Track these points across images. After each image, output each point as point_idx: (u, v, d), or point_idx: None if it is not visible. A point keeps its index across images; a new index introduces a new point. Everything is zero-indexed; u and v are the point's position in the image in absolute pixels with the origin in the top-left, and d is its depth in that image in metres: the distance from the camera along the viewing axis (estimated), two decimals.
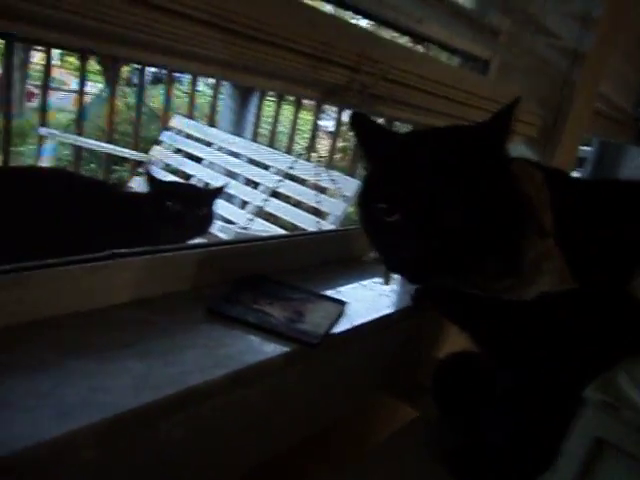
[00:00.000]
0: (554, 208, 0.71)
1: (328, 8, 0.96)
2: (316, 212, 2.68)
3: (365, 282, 1.04)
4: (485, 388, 0.85)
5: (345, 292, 0.96)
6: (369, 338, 0.90)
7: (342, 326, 0.81)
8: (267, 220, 2.92)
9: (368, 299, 0.96)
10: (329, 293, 0.92)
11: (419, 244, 0.62)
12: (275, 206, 2.78)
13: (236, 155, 3.20)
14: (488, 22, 1.16)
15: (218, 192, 1.43)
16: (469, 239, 0.63)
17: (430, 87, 0.91)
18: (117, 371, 0.59)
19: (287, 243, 1.01)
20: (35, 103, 6.06)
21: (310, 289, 0.90)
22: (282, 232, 2.53)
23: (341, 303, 0.87)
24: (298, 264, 1.00)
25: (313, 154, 3.37)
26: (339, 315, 0.83)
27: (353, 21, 0.82)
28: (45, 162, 2.98)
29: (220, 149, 3.24)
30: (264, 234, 2.26)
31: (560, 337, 0.70)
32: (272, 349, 0.70)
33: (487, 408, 0.83)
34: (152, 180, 1.34)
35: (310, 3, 0.79)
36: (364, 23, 0.85)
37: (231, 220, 2.86)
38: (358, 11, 0.85)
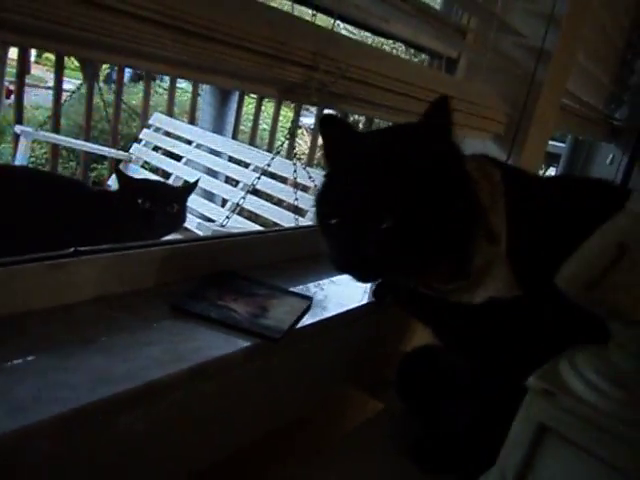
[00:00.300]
0: (509, 210, 0.72)
1: (287, 6, 0.97)
2: (296, 210, 2.69)
3: (335, 278, 1.06)
4: (446, 380, 0.88)
5: (314, 288, 0.97)
6: (335, 332, 0.92)
7: (306, 321, 0.83)
8: (247, 218, 2.93)
9: (336, 294, 0.97)
10: (298, 289, 0.94)
11: (356, 246, 0.65)
12: (254, 203, 2.79)
13: (216, 153, 3.20)
14: (454, 21, 1.18)
15: (190, 189, 1.44)
16: (409, 240, 0.65)
17: (390, 85, 0.93)
18: (76, 367, 0.59)
19: (257, 239, 1.02)
20: (12, 100, 5.97)
21: (277, 285, 0.92)
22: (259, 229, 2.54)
23: (307, 298, 0.89)
24: (268, 260, 1.01)
25: (293, 151, 3.38)
26: (305, 310, 0.85)
27: (315, 20, 0.83)
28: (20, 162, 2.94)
29: (199, 147, 3.23)
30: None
31: (507, 335, 0.72)
32: (233, 344, 0.71)
33: (448, 399, 0.85)
34: (122, 177, 1.34)
35: (266, 1, 0.79)
36: (327, 22, 0.86)
37: (211, 218, 2.86)
38: (320, 9, 0.86)
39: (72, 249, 0.74)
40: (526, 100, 1.34)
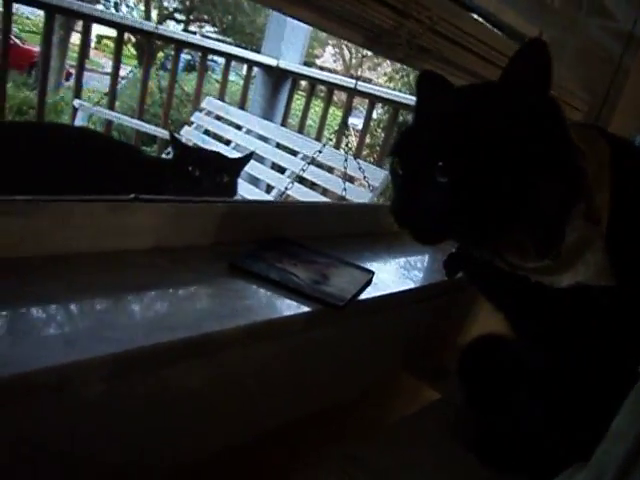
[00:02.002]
0: (614, 189, 0.64)
1: None
2: (342, 200, 2.63)
3: (393, 257, 1.00)
4: (516, 372, 0.80)
5: (372, 264, 0.91)
6: (395, 311, 0.86)
7: (368, 294, 0.77)
8: None
9: (396, 272, 0.91)
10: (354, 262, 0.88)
11: (413, 198, 0.60)
12: (300, 192, 2.75)
13: (265, 139, 3.18)
14: None
15: (243, 162, 1.40)
16: (474, 200, 0.58)
17: (477, 48, 0.86)
18: (131, 310, 0.55)
19: (316, 209, 0.97)
20: (71, 82, 6.17)
21: (336, 255, 0.86)
22: None
23: (368, 272, 0.83)
24: (325, 232, 0.96)
25: (342, 145, 3.33)
26: (366, 283, 0.79)
27: None
28: None
29: (249, 132, 3.22)
30: None
31: (593, 327, 0.64)
32: (294, 307, 0.66)
33: (518, 392, 0.77)
34: (176, 144, 1.31)
35: None
36: None
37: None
38: None
39: (132, 195, 0.70)
40: (609, 88, 1.24)
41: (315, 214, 0.95)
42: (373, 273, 0.83)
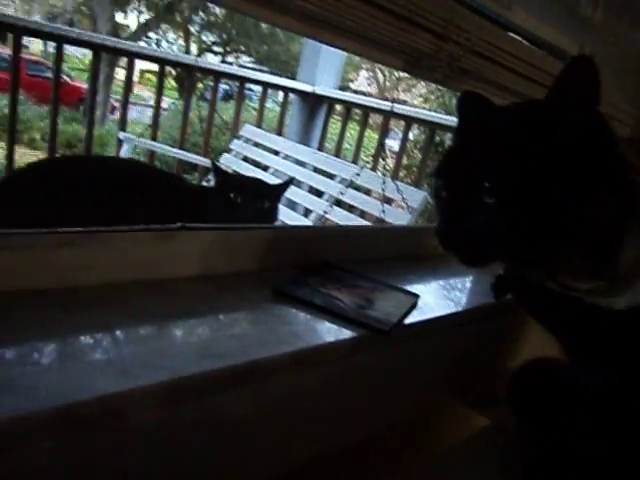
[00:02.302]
0: None
1: None
2: (380, 223, 2.62)
3: (437, 280, 0.98)
4: (571, 397, 0.76)
5: (416, 287, 0.90)
6: (441, 335, 0.84)
7: (414, 318, 0.76)
8: None
9: (442, 295, 0.90)
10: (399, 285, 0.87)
11: (459, 219, 0.59)
12: (338, 215, 2.76)
13: (302, 164, 3.22)
14: (580, 9, 1.07)
15: (283, 187, 1.42)
16: (520, 221, 0.56)
17: (518, 67, 0.85)
18: (180, 337, 0.56)
19: (358, 233, 0.97)
20: (116, 116, 6.46)
21: (379, 279, 0.85)
22: None
23: (413, 295, 0.82)
24: (368, 255, 0.95)
25: (378, 168, 3.33)
26: (411, 307, 0.78)
27: None
28: None
29: (286, 157, 3.27)
30: None
31: None
32: (340, 333, 0.65)
33: (573, 418, 0.74)
34: (218, 171, 1.34)
35: None
36: None
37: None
38: None
39: (179, 224, 0.72)
40: None
41: (357, 238, 0.95)
42: (418, 296, 0.81)
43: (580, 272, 0.63)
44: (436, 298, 0.87)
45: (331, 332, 0.65)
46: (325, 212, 2.40)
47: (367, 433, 0.78)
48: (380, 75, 12.44)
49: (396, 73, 12.16)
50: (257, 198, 1.29)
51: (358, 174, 2.37)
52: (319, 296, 0.72)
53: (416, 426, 0.84)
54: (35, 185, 1.07)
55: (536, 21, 1.04)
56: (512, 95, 0.91)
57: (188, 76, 3.27)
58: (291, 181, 1.45)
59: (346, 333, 0.65)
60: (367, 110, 3.32)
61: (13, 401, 0.41)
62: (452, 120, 3.04)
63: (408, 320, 0.74)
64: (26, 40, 2.80)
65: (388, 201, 2.68)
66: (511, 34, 0.89)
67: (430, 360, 0.86)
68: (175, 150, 3.17)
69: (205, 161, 3.24)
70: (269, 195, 1.33)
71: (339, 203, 2.83)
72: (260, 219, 1.31)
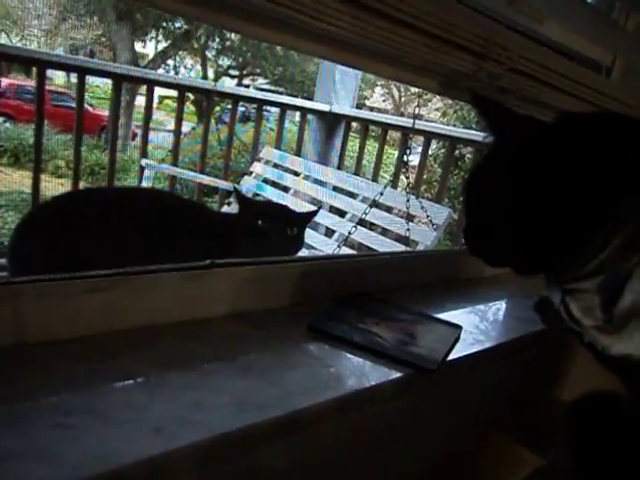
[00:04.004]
0: None
1: None
2: (404, 240, 2.57)
3: (473, 306, 0.93)
4: (634, 435, 0.70)
5: (454, 315, 0.85)
6: (485, 368, 0.79)
7: (459, 352, 0.71)
8: (351, 248, 2.87)
9: (482, 324, 0.85)
10: (438, 315, 0.82)
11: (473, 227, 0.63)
12: (361, 234, 2.72)
13: (322, 183, 3.20)
14: (613, 19, 1.03)
15: (311, 215, 1.39)
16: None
17: (556, 81, 0.81)
18: (217, 387, 0.53)
19: (390, 261, 0.93)
20: (137, 142, 6.57)
21: (417, 309, 0.81)
22: None
23: (456, 327, 0.77)
24: (401, 283, 0.91)
25: (399, 185, 3.30)
26: (455, 340, 0.73)
27: None
28: None
29: (307, 178, 3.25)
30: None
31: None
32: (384, 373, 0.61)
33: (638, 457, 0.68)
34: (242, 199, 1.32)
35: None
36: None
37: (314, 247, 2.82)
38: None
39: (208, 261, 0.69)
40: None
41: (390, 265, 0.91)
42: (461, 328, 0.77)
43: (591, 305, 0.60)
44: (478, 328, 0.83)
45: (374, 373, 0.61)
46: (350, 233, 2.36)
47: (413, 474, 0.73)
48: (395, 91, 12.48)
49: (412, 89, 12.19)
50: (285, 225, 1.26)
51: (381, 193, 2.33)
52: (358, 333, 0.68)
53: (464, 466, 0.79)
54: (57, 222, 1.06)
55: (568, 33, 1.00)
56: (553, 112, 0.86)
57: (207, 101, 3.30)
58: (318, 211, 1.42)
59: (390, 374, 0.61)
60: (385, 127, 3.30)
61: (44, 471, 0.38)
62: (472, 133, 3.01)
63: (452, 355, 0.70)
64: (50, 72, 2.87)
65: (410, 218, 2.64)
66: (545, 49, 0.85)
67: (474, 395, 0.81)
68: (196, 174, 3.18)
69: (225, 184, 3.24)
70: (297, 222, 1.30)
71: (361, 222, 2.79)
72: (288, 247, 1.28)
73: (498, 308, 0.96)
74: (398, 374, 0.61)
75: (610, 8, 1.12)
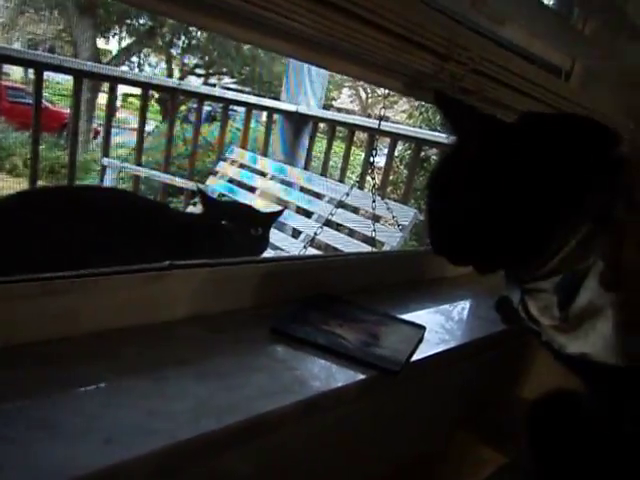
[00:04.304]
0: None
1: None
2: (370, 241, 2.59)
3: (438, 306, 0.94)
4: (593, 432, 0.72)
5: (418, 316, 0.86)
6: (449, 368, 0.79)
7: (422, 353, 0.71)
8: (318, 248, 2.86)
9: (446, 324, 0.85)
10: (402, 316, 0.82)
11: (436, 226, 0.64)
12: (327, 235, 2.72)
13: (289, 184, 3.19)
14: (573, 23, 1.06)
15: (276, 215, 1.37)
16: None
17: (517, 83, 0.82)
18: (175, 393, 0.51)
19: (355, 262, 0.92)
20: (99, 140, 6.40)
21: (382, 310, 0.81)
22: None
23: (420, 327, 0.77)
24: (365, 284, 0.91)
25: (365, 186, 3.31)
26: (419, 341, 0.73)
27: None
28: None
29: (273, 178, 3.23)
30: None
31: None
32: (347, 375, 0.60)
33: (597, 454, 0.69)
34: (206, 199, 1.29)
35: None
36: None
37: (280, 247, 2.81)
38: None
39: (167, 262, 0.67)
40: None
41: (355, 266, 0.91)
42: (424, 328, 0.77)
43: (549, 304, 0.61)
44: (442, 328, 0.83)
45: (338, 375, 0.60)
46: (316, 234, 2.36)
47: (378, 475, 0.73)
48: (362, 92, 12.57)
49: (378, 90, 12.30)
50: (249, 225, 1.24)
51: (348, 194, 2.33)
52: (322, 335, 0.67)
53: (429, 466, 0.79)
54: (7, 221, 1.01)
55: (529, 37, 1.02)
56: (515, 114, 0.88)
57: (172, 99, 3.24)
58: (282, 211, 1.41)
59: (354, 376, 0.60)
60: (352, 128, 3.31)
61: None
62: (437, 135, 3.05)
63: (416, 356, 0.70)
64: (6, 68, 2.74)
65: (376, 219, 2.65)
66: (506, 52, 0.86)
67: (438, 395, 0.81)
68: (160, 174, 3.11)
69: (191, 184, 3.19)
70: (261, 222, 1.28)
71: (328, 222, 2.79)
72: (252, 247, 1.26)
73: (462, 308, 0.96)
74: (362, 376, 0.61)
75: (569, 13, 1.15)
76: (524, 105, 0.86)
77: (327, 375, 0.60)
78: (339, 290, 0.84)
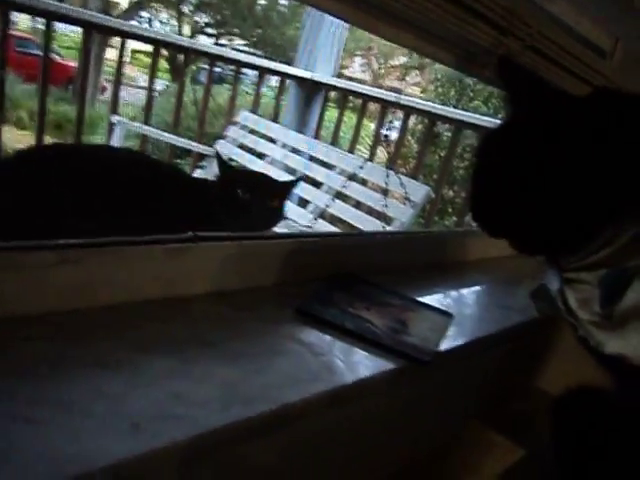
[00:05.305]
0: None
1: None
2: (378, 215, 2.54)
3: (462, 291, 0.91)
4: (620, 430, 0.70)
5: (443, 300, 0.83)
6: (476, 357, 0.77)
7: (451, 342, 0.68)
8: (325, 221, 2.82)
9: (469, 312, 0.83)
10: (427, 300, 0.79)
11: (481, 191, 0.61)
12: (339, 208, 2.67)
13: (299, 152, 3.12)
14: (618, 2, 0.99)
15: (292, 185, 1.33)
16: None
17: (570, 63, 0.77)
18: (199, 376, 0.48)
19: (376, 241, 0.89)
20: (106, 96, 6.29)
21: (408, 295, 0.78)
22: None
23: (447, 315, 0.74)
24: (390, 265, 0.87)
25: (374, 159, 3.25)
26: (447, 329, 0.70)
27: None
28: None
29: (284, 146, 3.16)
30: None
31: None
32: (377, 364, 0.58)
33: (621, 452, 0.67)
34: (223, 165, 1.24)
35: None
36: None
37: (288, 217, 2.76)
38: None
39: (190, 233, 0.63)
40: None
41: (378, 245, 0.87)
42: (452, 316, 0.74)
43: (590, 298, 0.58)
44: (466, 316, 0.80)
45: (368, 364, 0.57)
46: (327, 205, 2.31)
47: (400, 464, 0.71)
48: (374, 62, 12.30)
49: (391, 61, 12.02)
50: (266, 196, 1.20)
51: (361, 167, 2.28)
52: (349, 318, 0.64)
53: (448, 456, 0.77)
54: (21, 179, 0.97)
55: (577, 14, 0.96)
56: None
57: (184, 59, 3.15)
58: (300, 179, 1.36)
59: (384, 365, 0.58)
60: (366, 99, 3.23)
61: (3, 475, 0.33)
62: (452, 111, 2.97)
63: (445, 345, 0.67)
64: (13, 16, 2.65)
65: (385, 193, 2.60)
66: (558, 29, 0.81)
67: (459, 385, 0.79)
68: (170, 136, 3.05)
69: (199, 147, 3.13)
70: (278, 192, 1.24)
71: (337, 194, 2.74)
72: (268, 218, 1.22)
73: (486, 294, 0.94)
74: (392, 365, 0.58)
75: None
76: (571, 87, 0.81)
77: (356, 362, 0.57)
78: (360, 270, 0.81)
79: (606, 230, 0.56)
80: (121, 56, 3.04)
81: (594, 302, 0.59)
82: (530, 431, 0.81)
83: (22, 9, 2.45)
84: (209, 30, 9.82)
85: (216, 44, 8.83)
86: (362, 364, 0.57)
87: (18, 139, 4.37)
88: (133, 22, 8.22)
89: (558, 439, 0.73)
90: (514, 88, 0.59)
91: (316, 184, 2.98)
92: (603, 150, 0.52)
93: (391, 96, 3.14)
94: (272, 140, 3.24)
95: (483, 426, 0.84)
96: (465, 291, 0.90)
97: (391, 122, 2.33)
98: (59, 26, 3.29)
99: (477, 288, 0.93)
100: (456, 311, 0.78)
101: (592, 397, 0.74)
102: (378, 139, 3.35)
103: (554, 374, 0.96)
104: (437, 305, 0.77)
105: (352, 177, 2.42)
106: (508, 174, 0.57)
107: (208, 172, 3.05)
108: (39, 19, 2.49)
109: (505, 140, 0.59)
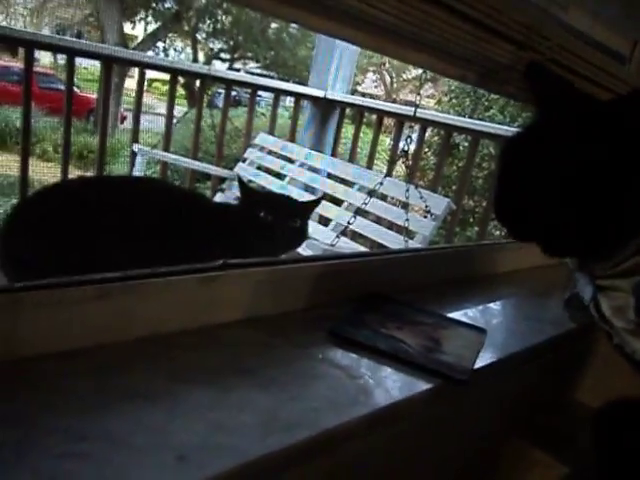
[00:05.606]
0: None
1: None
2: (399, 230, 2.53)
3: (492, 306, 0.90)
4: None
5: (474, 316, 0.82)
6: (511, 372, 0.75)
7: (485, 359, 0.67)
8: (346, 237, 2.82)
9: (502, 326, 0.81)
10: (458, 316, 0.79)
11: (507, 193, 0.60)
12: (360, 224, 2.67)
13: (317, 171, 3.14)
14: (634, 6, 0.99)
15: (314, 204, 1.34)
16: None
17: (591, 73, 0.77)
18: (238, 404, 0.48)
19: (405, 259, 0.88)
20: (126, 125, 6.44)
21: (439, 312, 0.77)
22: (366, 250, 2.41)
23: (480, 330, 0.73)
24: (418, 282, 0.87)
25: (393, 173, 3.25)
26: (480, 345, 0.69)
27: None
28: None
29: (302, 165, 3.19)
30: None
31: None
32: (413, 384, 0.57)
33: None
34: (244, 188, 1.26)
35: None
36: None
37: (310, 236, 2.77)
38: None
39: (221, 261, 0.64)
40: None
41: (404, 263, 0.87)
42: (485, 332, 0.73)
43: (625, 305, 0.56)
44: (499, 331, 0.79)
45: (403, 385, 0.57)
46: (349, 222, 2.32)
47: None
48: (387, 77, 12.38)
49: (404, 75, 12.08)
50: (288, 216, 1.21)
51: (382, 183, 2.28)
52: (381, 339, 0.64)
53: (489, 475, 0.76)
54: (49, 215, 0.99)
55: (592, 22, 0.96)
56: None
57: (200, 85, 3.21)
58: (321, 199, 1.37)
59: (420, 385, 0.57)
60: (382, 114, 3.24)
61: None
62: (468, 122, 2.96)
63: (480, 362, 0.66)
64: (35, 53, 2.75)
65: (404, 206, 2.59)
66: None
67: (497, 400, 0.78)
68: (190, 161, 3.10)
69: (218, 170, 3.18)
70: (300, 213, 1.25)
71: (358, 211, 2.74)
72: (292, 239, 1.23)
73: (518, 308, 0.92)
74: (428, 385, 0.57)
75: None
76: (599, 96, 0.80)
77: (391, 384, 0.57)
78: (389, 288, 0.81)
79: (638, 236, 0.56)
80: (141, 87, 3.12)
81: (628, 310, 0.58)
82: (571, 446, 0.79)
83: (46, 47, 2.54)
84: (223, 55, 10.03)
85: (230, 68, 9.02)
86: (398, 385, 0.57)
87: (43, 171, 4.50)
88: (149, 52, 8.45)
89: (600, 455, 0.71)
90: (544, 92, 0.59)
91: (336, 202, 2.99)
92: (637, 153, 0.52)
93: (404, 110, 3.15)
94: (290, 160, 3.27)
95: (522, 443, 0.83)
96: (496, 305, 0.89)
97: (409, 137, 2.32)
98: (77, 60, 3.40)
99: (508, 301, 0.92)
100: (488, 326, 0.77)
101: (633, 409, 0.72)
102: (396, 154, 3.36)
103: (591, 385, 0.93)
104: (469, 321, 0.77)
105: (372, 193, 2.42)
106: (539, 176, 0.57)
107: (228, 195, 3.09)
108: (60, 55, 2.58)
109: (534, 143, 0.59)
